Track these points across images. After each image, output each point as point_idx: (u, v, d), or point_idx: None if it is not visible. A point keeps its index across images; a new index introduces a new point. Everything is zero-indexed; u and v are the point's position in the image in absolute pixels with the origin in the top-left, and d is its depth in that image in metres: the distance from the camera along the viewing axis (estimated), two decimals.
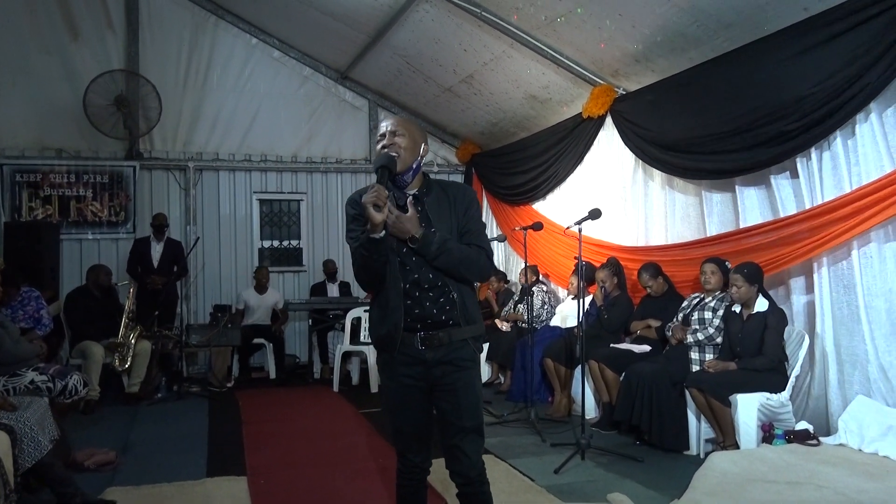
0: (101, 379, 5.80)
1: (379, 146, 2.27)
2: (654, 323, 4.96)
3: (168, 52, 7.57)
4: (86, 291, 6.29)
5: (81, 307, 6.15)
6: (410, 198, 2.25)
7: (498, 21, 5.38)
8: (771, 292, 4.43)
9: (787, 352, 4.13)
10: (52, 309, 5.51)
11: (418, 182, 2.33)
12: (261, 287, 7.41)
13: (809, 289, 4.21)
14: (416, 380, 2.27)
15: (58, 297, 6.38)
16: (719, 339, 4.38)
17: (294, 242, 8.33)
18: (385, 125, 2.29)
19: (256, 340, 7.26)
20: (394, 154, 2.22)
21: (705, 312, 4.51)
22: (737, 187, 4.63)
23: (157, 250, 6.92)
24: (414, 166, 2.28)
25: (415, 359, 2.25)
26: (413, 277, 2.23)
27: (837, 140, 3.90)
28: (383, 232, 2.12)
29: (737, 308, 4.27)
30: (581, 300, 4.55)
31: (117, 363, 5.94)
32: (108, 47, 7.34)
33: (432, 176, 2.42)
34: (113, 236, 7.42)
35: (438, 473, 2.46)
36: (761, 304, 4.15)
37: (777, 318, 4.08)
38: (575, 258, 5.10)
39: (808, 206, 4.07)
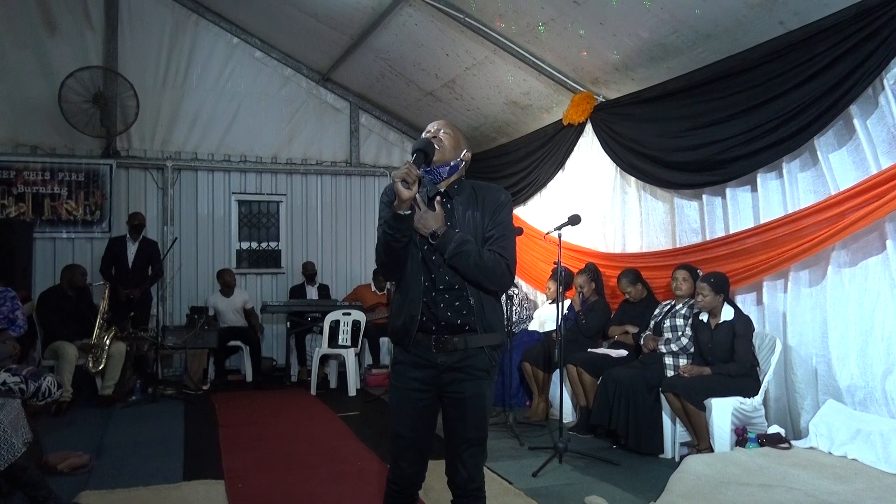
0: (73, 381, 5.68)
1: None
2: (632, 329, 5.01)
3: (148, 50, 7.48)
4: (60, 291, 6.17)
5: (55, 307, 6.04)
6: (438, 196, 2.24)
7: (481, 27, 5.43)
8: (742, 297, 4.53)
9: (760, 357, 4.22)
10: (25, 309, 5.40)
11: (453, 181, 2.30)
12: (227, 289, 7.31)
13: (780, 295, 4.31)
14: (425, 384, 2.22)
15: (30, 297, 6.26)
16: (693, 349, 4.45)
17: (273, 244, 8.27)
18: (432, 125, 2.33)
19: (232, 343, 7.19)
20: (435, 145, 2.21)
21: (677, 319, 4.57)
22: (704, 196, 4.76)
23: (131, 250, 6.82)
24: (452, 163, 2.26)
25: (427, 361, 2.21)
26: (430, 276, 2.20)
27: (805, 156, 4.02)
28: (409, 210, 2.11)
29: (704, 317, 4.34)
30: (560, 305, 4.60)
31: (91, 365, 5.83)
32: (86, 44, 7.23)
33: None
34: (88, 235, 7.30)
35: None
36: (727, 313, 4.22)
37: (744, 326, 4.16)
38: (554, 263, 5.15)
39: (789, 210, 4.15)
